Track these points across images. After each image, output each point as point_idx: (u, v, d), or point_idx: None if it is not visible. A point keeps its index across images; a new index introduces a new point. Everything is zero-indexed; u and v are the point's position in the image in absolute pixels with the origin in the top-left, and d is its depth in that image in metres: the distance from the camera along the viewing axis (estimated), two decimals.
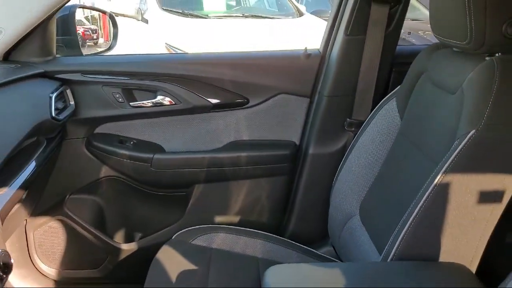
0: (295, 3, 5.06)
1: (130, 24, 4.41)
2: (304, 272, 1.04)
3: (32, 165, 1.29)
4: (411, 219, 1.00)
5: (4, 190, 1.13)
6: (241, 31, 3.99)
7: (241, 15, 4.49)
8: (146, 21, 4.12)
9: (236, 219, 1.73)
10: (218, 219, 1.72)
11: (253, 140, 1.69)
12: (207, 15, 4.28)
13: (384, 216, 1.25)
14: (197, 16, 4.17)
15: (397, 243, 1.02)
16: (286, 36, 3.91)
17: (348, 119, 1.61)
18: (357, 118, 1.60)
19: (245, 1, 5.12)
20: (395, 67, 1.64)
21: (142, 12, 4.21)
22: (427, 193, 0.99)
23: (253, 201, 1.71)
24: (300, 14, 4.69)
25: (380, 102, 1.42)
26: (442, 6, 1.11)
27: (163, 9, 4.08)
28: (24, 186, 1.23)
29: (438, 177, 0.97)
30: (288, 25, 4.39)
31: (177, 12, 4.11)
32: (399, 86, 1.39)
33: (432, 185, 0.98)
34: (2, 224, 1.04)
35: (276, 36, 3.90)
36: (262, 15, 4.57)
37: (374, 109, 1.43)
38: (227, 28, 4.05)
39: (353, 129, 1.61)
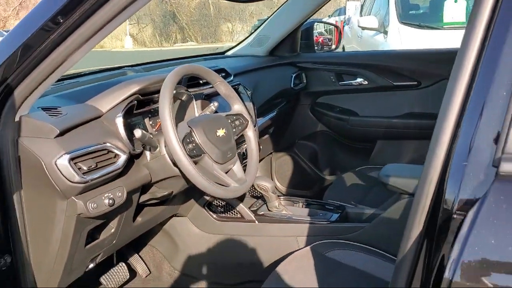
0: None
1: (373, 35, 5.28)
2: None
3: (274, 112, 2.30)
4: None
5: (260, 119, 2.16)
6: None
7: None
8: (386, 33, 4.90)
9: None
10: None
11: (422, 113, 2.33)
12: (442, 27, 4.77)
13: None
14: (432, 28, 4.72)
15: None
16: None
17: None
18: None
19: None
20: None
21: (385, 26, 5.01)
22: None
23: (418, 158, 2.35)
24: None
25: None
26: None
27: (401, 22, 4.79)
28: (269, 124, 2.25)
29: None
30: None
31: (414, 25, 4.76)
32: None
33: None
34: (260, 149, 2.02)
35: None
36: None
37: None
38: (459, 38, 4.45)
39: None
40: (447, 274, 0.61)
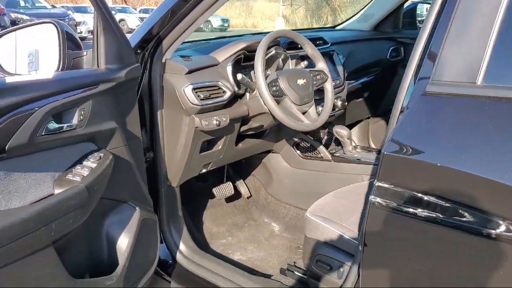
0: None
1: None
2: None
3: (368, 78, 2.64)
4: None
5: (352, 81, 2.54)
6: None
7: None
8: None
9: None
10: None
11: None
12: None
13: None
14: None
15: None
16: None
17: None
18: None
19: None
20: None
21: None
22: None
23: None
24: None
25: None
26: None
27: None
28: (361, 88, 2.60)
29: None
30: None
31: None
32: None
33: None
34: None
35: None
36: None
37: None
38: None
39: None
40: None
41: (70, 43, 1.48)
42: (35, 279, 1.10)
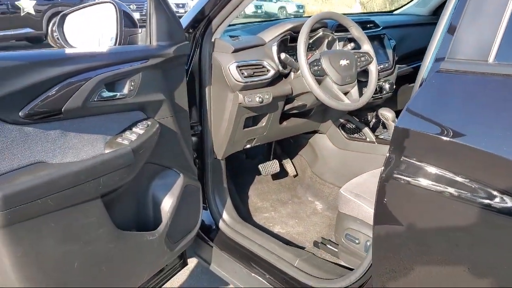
0: None
1: None
2: None
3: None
4: None
5: (403, 65, 2.52)
6: None
7: None
8: None
9: None
10: None
11: None
12: None
13: None
14: None
15: None
16: None
17: None
18: None
19: None
20: None
21: None
22: None
23: None
24: None
25: None
26: None
27: None
28: (412, 72, 2.57)
29: None
30: None
31: None
32: None
33: None
34: None
35: None
36: None
37: None
38: None
39: None
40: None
41: (127, 21, 1.65)
42: (83, 225, 1.27)
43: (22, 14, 8.58)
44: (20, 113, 1.13)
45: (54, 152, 1.21)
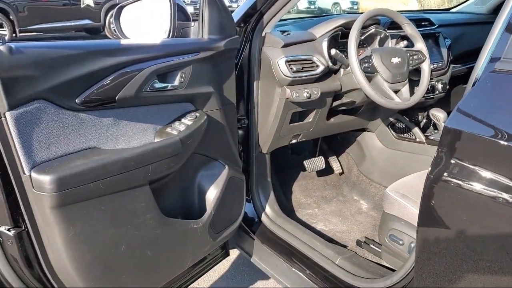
0: None
1: None
2: None
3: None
4: None
5: (458, 65, 2.42)
6: None
7: None
8: None
9: None
10: None
11: None
12: None
13: None
14: None
15: None
16: None
17: None
18: None
19: None
20: None
21: None
22: None
23: None
24: None
25: None
26: None
27: None
28: (467, 73, 2.48)
29: None
30: None
31: None
32: None
33: None
34: None
35: None
36: None
37: None
38: None
39: None
40: None
41: (181, 15, 1.69)
42: (131, 210, 1.32)
43: (82, 6, 8.98)
44: (76, 100, 1.18)
45: (107, 139, 1.27)
